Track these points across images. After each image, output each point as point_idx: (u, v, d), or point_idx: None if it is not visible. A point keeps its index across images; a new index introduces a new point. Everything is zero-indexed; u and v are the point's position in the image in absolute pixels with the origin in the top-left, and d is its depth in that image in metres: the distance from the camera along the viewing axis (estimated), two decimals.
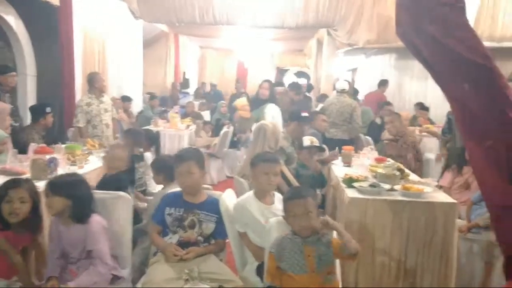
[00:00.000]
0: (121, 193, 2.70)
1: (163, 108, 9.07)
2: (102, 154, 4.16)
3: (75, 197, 2.31)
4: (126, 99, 7.93)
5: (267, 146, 3.46)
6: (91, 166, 3.72)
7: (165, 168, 3.15)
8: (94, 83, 5.33)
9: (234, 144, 7.35)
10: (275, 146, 3.58)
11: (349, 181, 3.12)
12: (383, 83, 8.70)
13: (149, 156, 4.17)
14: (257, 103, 5.29)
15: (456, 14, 1.42)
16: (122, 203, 2.63)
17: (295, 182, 3.27)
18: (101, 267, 2.28)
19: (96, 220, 2.35)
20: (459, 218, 3.23)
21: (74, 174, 2.56)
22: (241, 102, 5.55)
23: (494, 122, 1.33)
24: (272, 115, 4.98)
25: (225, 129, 7.13)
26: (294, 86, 6.89)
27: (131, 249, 2.68)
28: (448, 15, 1.41)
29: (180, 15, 8.66)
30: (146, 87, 9.77)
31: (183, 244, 2.44)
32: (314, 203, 2.17)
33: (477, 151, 1.41)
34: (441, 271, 2.80)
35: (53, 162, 3.18)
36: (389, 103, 7.06)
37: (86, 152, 4.06)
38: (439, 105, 8.15)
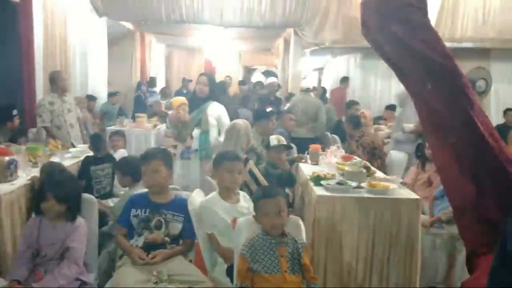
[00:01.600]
0: (86, 195, 2.64)
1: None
2: (68, 155, 4.07)
3: (73, 200, 2.41)
4: (91, 98, 7.74)
5: (239, 147, 3.45)
6: None
7: (131, 169, 3.09)
8: (57, 82, 5.17)
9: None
10: (246, 146, 3.58)
11: (317, 179, 3.15)
12: (345, 80, 8.94)
13: (124, 154, 4.13)
14: (195, 102, 4.24)
15: (418, 15, 1.46)
16: (87, 206, 2.56)
17: (264, 182, 3.27)
18: (67, 270, 2.26)
19: (83, 222, 2.43)
20: (423, 213, 3.33)
21: (68, 176, 2.55)
22: (179, 100, 4.30)
23: (456, 121, 1.37)
24: (217, 115, 4.18)
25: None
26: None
27: (97, 252, 2.62)
28: (411, 16, 1.44)
29: (146, 13, 8.51)
30: (112, 86, 9.56)
31: (150, 246, 2.40)
32: (285, 202, 2.18)
33: (440, 149, 1.45)
34: (406, 265, 2.87)
35: (13, 164, 3.06)
36: (356, 103, 7.19)
37: (49, 153, 3.93)
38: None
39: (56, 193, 2.32)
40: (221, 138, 4.01)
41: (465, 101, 1.37)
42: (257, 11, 8.52)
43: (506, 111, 7.74)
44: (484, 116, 1.42)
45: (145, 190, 2.59)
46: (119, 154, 4.10)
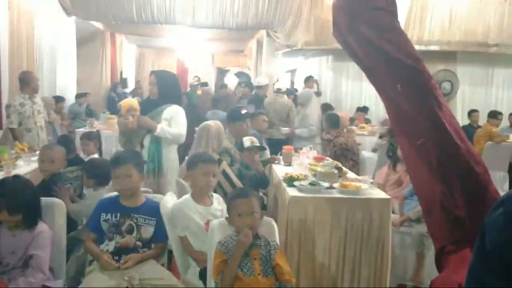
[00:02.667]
0: (54, 199, 2.56)
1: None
2: (35, 158, 3.94)
3: (29, 207, 2.28)
4: (59, 99, 7.55)
5: (211, 148, 3.41)
6: (20, 171, 3.49)
7: (98, 172, 3.02)
8: (29, 83, 5.03)
9: None
10: (218, 148, 3.55)
11: (290, 180, 3.17)
12: (308, 79, 9.03)
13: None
14: (148, 105, 3.61)
15: (388, 18, 1.48)
16: (55, 210, 2.49)
17: (238, 183, 3.26)
18: (32, 278, 2.17)
19: (44, 227, 2.32)
20: (393, 213, 3.39)
21: (21, 183, 2.35)
22: (128, 103, 3.61)
23: (424, 121, 1.40)
24: (173, 118, 3.48)
25: None
26: None
27: (65, 258, 2.54)
28: (380, 18, 1.47)
29: (117, 13, 8.37)
30: (81, 87, 9.36)
31: (121, 251, 2.35)
32: (259, 204, 2.18)
33: (409, 149, 1.48)
34: (377, 264, 2.91)
35: None
36: (331, 107, 7.28)
37: (14, 156, 3.80)
38: (373, 105, 8.54)
39: (7, 204, 2.21)
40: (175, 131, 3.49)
41: (434, 102, 1.40)
42: (230, 13, 8.51)
43: (471, 112, 8.00)
44: (451, 117, 1.46)
45: (114, 193, 2.54)
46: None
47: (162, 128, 3.41)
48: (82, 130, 6.36)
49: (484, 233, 0.57)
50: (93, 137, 4.47)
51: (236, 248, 2.03)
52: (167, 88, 3.55)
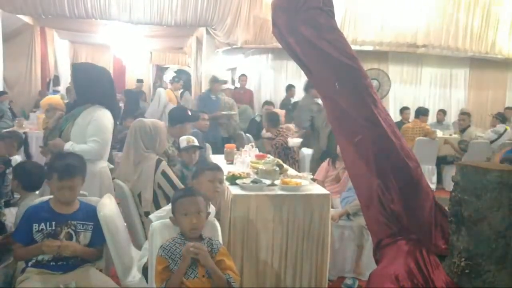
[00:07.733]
0: None
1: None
2: None
3: None
4: None
5: (141, 148, 3.23)
6: None
7: (24, 176, 2.83)
8: None
9: None
10: (159, 147, 3.41)
11: (232, 179, 3.16)
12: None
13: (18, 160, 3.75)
14: (72, 106, 3.08)
15: (325, 17, 1.51)
16: None
17: (179, 183, 3.19)
18: None
19: None
20: (332, 207, 3.50)
21: None
22: (47, 101, 3.06)
23: (361, 119, 1.45)
24: (87, 124, 2.84)
25: None
26: None
27: None
28: (317, 18, 1.50)
29: (47, 7, 7.93)
30: (8, 84, 8.77)
31: (58, 259, 2.21)
32: (204, 204, 2.15)
33: (347, 146, 1.53)
34: (318, 258, 2.99)
35: None
36: (270, 103, 7.35)
37: None
38: None
39: None
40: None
41: (370, 100, 1.45)
42: (168, 9, 8.37)
43: (402, 110, 8.42)
44: (386, 114, 1.52)
45: (43, 199, 2.37)
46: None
47: (68, 149, 2.79)
48: (9, 130, 5.96)
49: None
50: (5, 138, 4.12)
51: (182, 261, 1.97)
52: (86, 84, 2.90)
